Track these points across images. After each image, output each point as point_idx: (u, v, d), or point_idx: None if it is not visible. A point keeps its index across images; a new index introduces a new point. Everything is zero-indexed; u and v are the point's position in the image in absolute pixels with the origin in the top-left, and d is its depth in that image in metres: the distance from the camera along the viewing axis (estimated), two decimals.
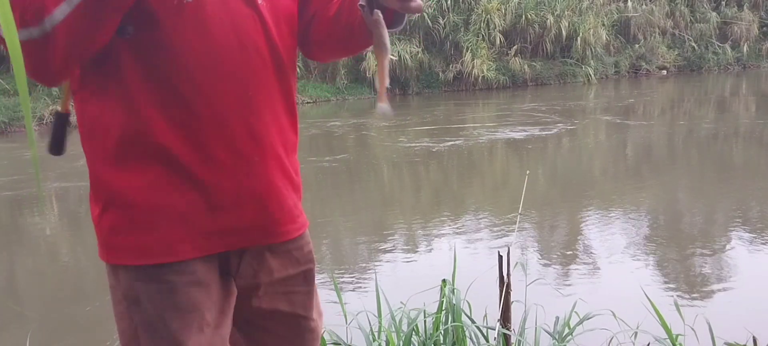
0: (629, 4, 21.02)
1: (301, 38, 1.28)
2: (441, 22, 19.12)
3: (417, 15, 1.14)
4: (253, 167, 1.14)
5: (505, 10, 18.92)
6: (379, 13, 1.11)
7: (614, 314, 2.44)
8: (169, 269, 1.13)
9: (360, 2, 1.13)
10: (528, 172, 3.55)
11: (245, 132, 1.13)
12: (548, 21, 18.91)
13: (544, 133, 10.38)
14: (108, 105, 1.09)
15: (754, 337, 2.19)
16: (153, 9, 1.04)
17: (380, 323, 2.48)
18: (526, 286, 2.60)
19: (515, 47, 19.15)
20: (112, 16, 1.00)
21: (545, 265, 4.57)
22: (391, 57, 1.12)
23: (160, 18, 1.05)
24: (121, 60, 1.07)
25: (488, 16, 18.69)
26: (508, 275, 2.37)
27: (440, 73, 18.90)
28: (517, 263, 2.57)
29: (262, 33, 1.14)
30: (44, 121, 12.88)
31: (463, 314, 2.44)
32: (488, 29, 18.71)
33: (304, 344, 1.31)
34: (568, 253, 4.80)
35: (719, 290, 4.01)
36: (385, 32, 1.12)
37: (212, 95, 1.09)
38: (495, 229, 5.51)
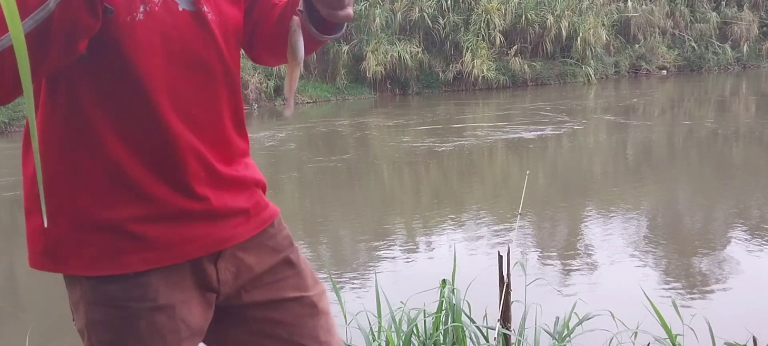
0: (629, 4, 21.02)
1: (247, 43, 1.29)
2: (441, 22, 19.12)
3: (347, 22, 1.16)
4: (198, 183, 1.15)
5: (505, 10, 18.92)
6: (296, 21, 1.11)
7: (613, 315, 2.44)
8: (129, 291, 1.12)
9: (299, 7, 1.12)
10: (528, 172, 3.55)
11: (191, 150, 1.13)
12: (548, 21, 18.91)
13: (549, 133, 10.37)
14: (61, 119, 1.09)
15: (754, 337, 2.19)
16: (106, 27, 1.03)
17: (380, 323, 2.48)
18: (526, 286, 2.60)
19: (515, 47, 19.15)
20: (64, 51, 0.99)
21: (545, 265, 4.57)
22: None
23: (113, 36, 1.04)
24: (75, 77, 1.07)
25: (488, 16, 18.69)
26: (508, 275, 2.37)
27: (440, 73, 18.91)
28: (517, 263, 2.57)
29: (213, 50, 1.14)
30: None
31: (463, 314, 2.44)
32: (488, 29, 18.71)
33: (313, 320, 1.30)
34: (569, 253, 4.80)
35: (719, 290, 4.01)
36: (301, 41, 1.11)
37: (161, 114, 1.10)
38: (496, 229, 5.51)
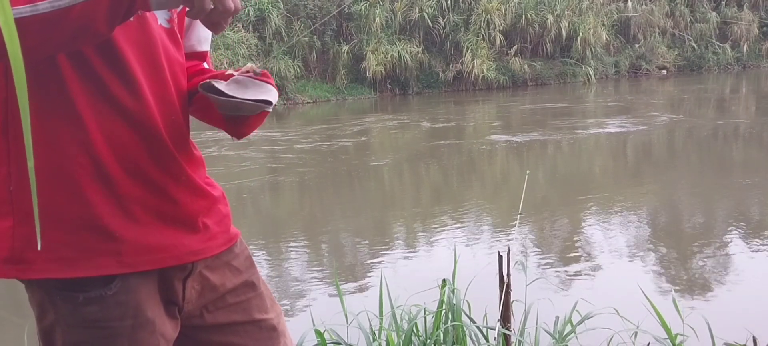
0: (629, 4, 21.03)
1: None
2: (441, 22, 19.13)
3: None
4: (172, 185, 1.17)
5: (505, 10, 18.94)
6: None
7: (617, 311, 2.44)
8: (108, 311, 1.12)
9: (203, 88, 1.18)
10: (528, 172, 3.55)
11: (168, 153, 1.15)
12: (548, 21, 18.92)
13: (545, 137, 10.36)
14: (43, 112, 1.07)
15: (754, 337, 2.20)
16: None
17: (381, 322, 2.48)
18: (526, 286, 2.60)
19: (515, 47, 19.16)
20: (62, 47, 1.00)
21: (545, 265, 4.57)
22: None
23: (113, 36, 1.06)
24: (63, 68, 1.06)
25: (488, 16, 18.71)
26: (508, 274, 2.37)
27: (440, 73, 18.92)
28: (517, 263, 2.57)
29: (181, 65, 1.22)
30: None
31: (463, 313, 2.44)
32: (488, 29, 18.73)
33: (272, 343, 1.32)
34: (569, 253, 4.80)
35: (719, 290, 4.01)
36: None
37: (151, 114, 1.12)
38: (497, 228, 5.51)
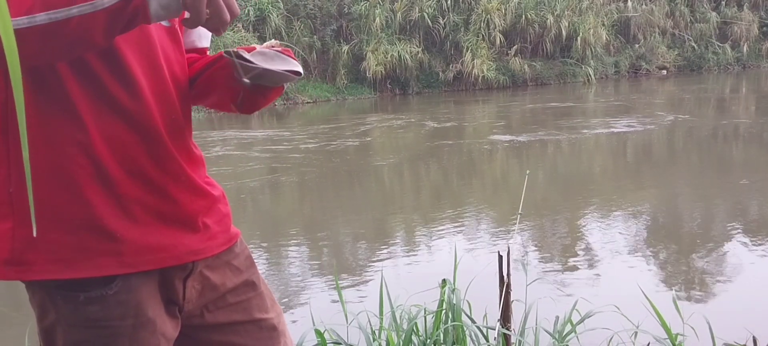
0: (629, 4, 21.03)
1: None
2: (441, 22, 19.14)
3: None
4: (172, 185, 1.17)
5: (505, 10, 18.94)
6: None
7: (618, 308, 2.44)
8: (109, 310, 1.12)
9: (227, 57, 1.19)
10: (528, 172, 3.55)
11: (170, 151, 1.16)
12: (548, 21, 18.93)
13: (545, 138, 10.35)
14: (44, 114, 1.08)
15: (754, 337, 2.20)
16: None
17: (381, 322, 2.48)
18: (527, 285, 2.60)
19: (515, 47, 19.17)
20: (61, 56, 1.01)
21: (545, 264, 4.57)
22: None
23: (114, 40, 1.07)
24: (62, 69, 1.06)
25: (488, 16, 18.71)
26: (508, 274, 2.37)
27: (440, 73, 18.93)
28: (517, 263, 2.57)
29: (182, 64, 1.23)
30: None
31: (463, 313, 2.44)
32: (488, 29, 18.73)
33: (272, 343, 1.33)
34: (569, 252, 4.80)
35: (719, 290, 4.01)
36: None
37: (151, 113, 1.13)
38: (498, 228, 5.51)
